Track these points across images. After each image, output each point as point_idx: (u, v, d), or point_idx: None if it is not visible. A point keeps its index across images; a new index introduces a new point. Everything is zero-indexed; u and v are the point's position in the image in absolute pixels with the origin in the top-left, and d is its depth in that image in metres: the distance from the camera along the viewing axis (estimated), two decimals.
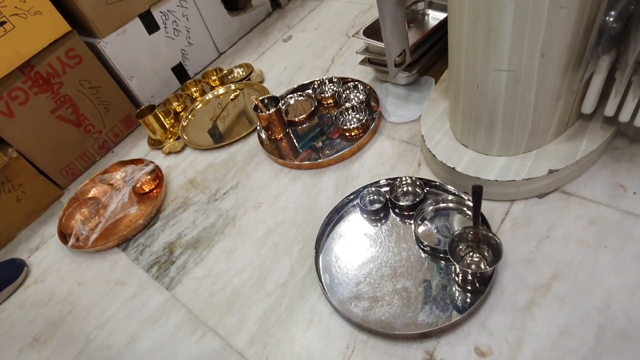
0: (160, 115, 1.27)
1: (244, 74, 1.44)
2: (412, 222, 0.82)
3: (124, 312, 0.90)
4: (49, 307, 0.98)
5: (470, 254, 0.73)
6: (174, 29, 1.39)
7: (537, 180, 0.76)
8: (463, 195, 0.82)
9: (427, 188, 0.86)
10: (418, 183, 0.86)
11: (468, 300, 0.70)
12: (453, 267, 0.74)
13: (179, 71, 1.46)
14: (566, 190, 0.79)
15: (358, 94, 1.15)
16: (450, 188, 0.84)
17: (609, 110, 0.72)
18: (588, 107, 0.73)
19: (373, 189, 0.89)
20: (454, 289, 0.72)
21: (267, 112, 1.07)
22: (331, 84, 1.20)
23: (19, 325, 0.96)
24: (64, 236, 1.10)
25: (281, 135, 1.12)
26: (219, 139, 1.22)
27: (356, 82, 1.16)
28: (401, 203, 0.85)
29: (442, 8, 1.16)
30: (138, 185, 1.12)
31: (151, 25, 1.33)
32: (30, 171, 1.18)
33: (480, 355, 0.65)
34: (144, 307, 0.90)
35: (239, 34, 1.63)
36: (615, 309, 0.63)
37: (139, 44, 1.32)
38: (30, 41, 1.09)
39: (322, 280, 0.79)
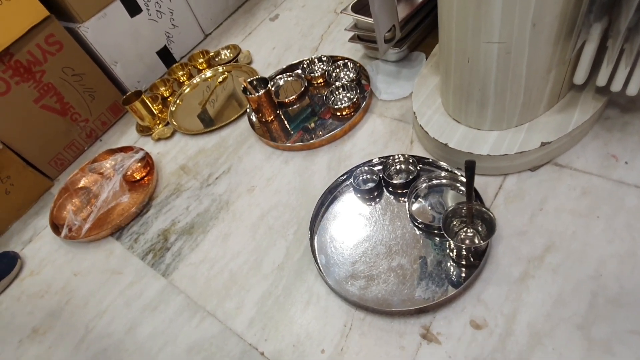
0: (147, 101, 1.25)
1: (231, 55, 1.41)
2: (405, 199, 0.82)
3: (122, 300, 0.91)
4: (46, 298, 0.98)
5: (464, 229, 0.73)
6: (156, 10, 1.35)
7: (530, 154, 0.76)
8: (456, 171, 0.82)
9: (420, 165, 0.86)
10: (411, 160, 0.86)
11: (463, 274, 0.70)
12: (447, 242, 0.74)
13: (165, 55, 1.43)
14: (558, 162, 0.79)
15: (348, 73, 1.13)
16: (443, 164, 0.84)
17: (601, 80, 0.71)
18: (580, 77, 0.73)
19: (366, 168, 0.89)
20: (449, 264, 0.72)
21: (256, 94, 1.05)
22: (320, 63, 1.18)
23: (17, 318, 0.96)
24: (56, 227, 1.09)
25: (272, 117, 1.11)
26: (209, 123, 1.21)
27: (346, 60, 1.14)
28: (394, 181, 0.85)
29: None
30: (129, 173, 1.10)
31: (133, 8, 1.28)
32: (18, 163, 1.16)
33: (476, 327, 0.66)
34: (142, 295, 0.90)
35: (224, 14, 1.58)
36: (607, 277, 0.64)
37: (121, 27, 1.28)
38: (7, 28, 1.05)
39: (318, 261, 0.80)
